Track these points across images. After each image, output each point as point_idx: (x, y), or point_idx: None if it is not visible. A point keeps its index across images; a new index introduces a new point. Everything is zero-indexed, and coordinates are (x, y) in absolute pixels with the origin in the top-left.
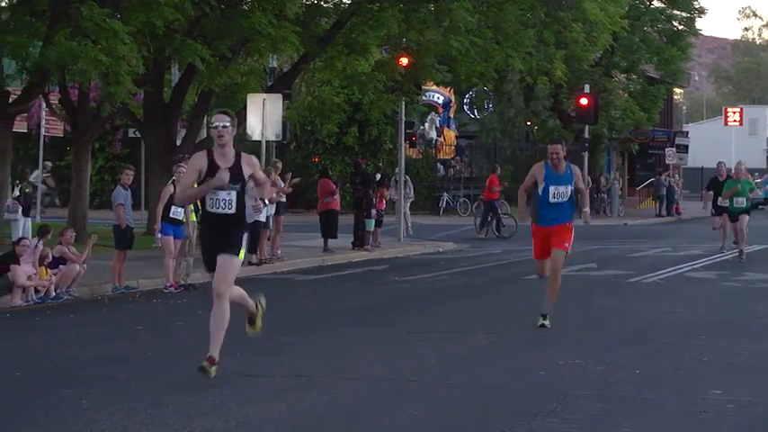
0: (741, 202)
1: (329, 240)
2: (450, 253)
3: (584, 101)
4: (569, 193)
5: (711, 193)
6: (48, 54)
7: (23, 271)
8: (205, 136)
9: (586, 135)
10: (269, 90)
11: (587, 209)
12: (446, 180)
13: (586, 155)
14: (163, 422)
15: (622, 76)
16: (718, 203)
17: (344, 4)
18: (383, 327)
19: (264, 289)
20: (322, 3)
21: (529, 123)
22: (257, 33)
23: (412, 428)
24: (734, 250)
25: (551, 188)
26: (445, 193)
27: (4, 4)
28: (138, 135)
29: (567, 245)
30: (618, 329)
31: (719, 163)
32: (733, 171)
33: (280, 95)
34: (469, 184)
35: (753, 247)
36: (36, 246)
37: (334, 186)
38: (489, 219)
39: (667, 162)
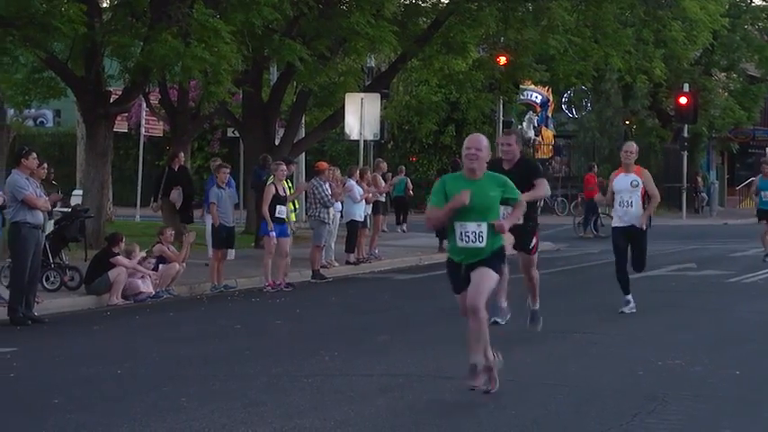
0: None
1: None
2: (548, 252)
3: (683, 100)
4: None
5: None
6: (153, 52)
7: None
8: (303, 136)
9: (685, 134)
10: (367, 89)
11: None
12: None
13: (685, 154)
14: (262, 420)
15: (722, 74)
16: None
17: (442, 3)
18: None
19: (362, 288)
20: (420, 2)
21: (627, 122)
22: (355, 33)
23: (510, 428)
24: None
25: None
26: None
27: (105, 5)
28: (237, 135)
29: None
30: (717, 330)
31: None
32: None
33: (377, 95)
34: (567, 183)
35: None
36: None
37: None
38: (590, 218)
39: None
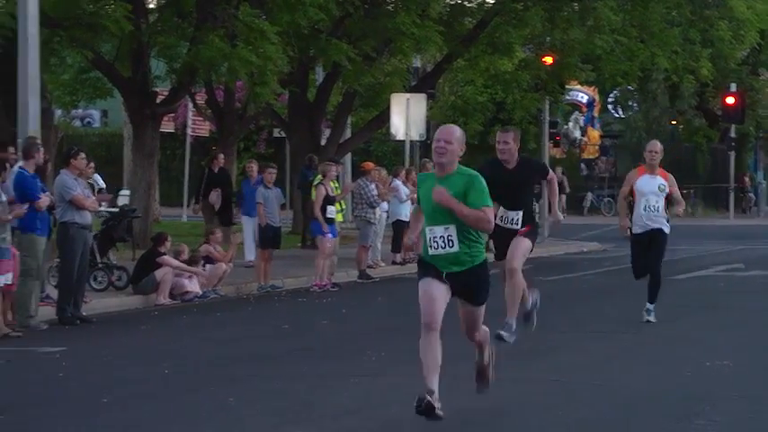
0: None
1: None
2: (595, 253)
3: (730, 99)
4: None
5: None
6: (200, 54)
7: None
8: (349, 136)
9: (732, 134)
10: (413, 90)
11: None
12: (590, 179)
13: (732, 154)
14: (309, 421)
15: None
16: None
17: (488, 3)
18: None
19: (408, 288)
20: (466, 2)
21: (674, 122)
22: (401, 33)
23: (557, 428)
24: None
25: None
26: (589, 193)
27: (152, 5)
28: (283, 135)
29: None
30: (766, 330)
31: None
32: None
33: (423, 95)
34: (614, 183)
35: None
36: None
37: None
38: None
39: None
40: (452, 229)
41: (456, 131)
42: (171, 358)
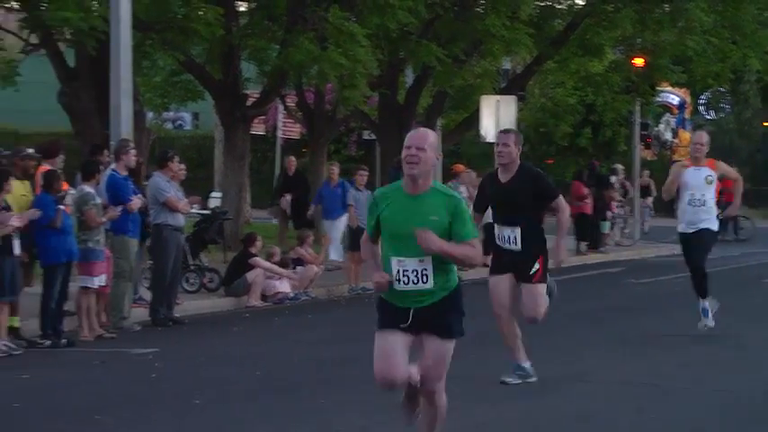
0: None
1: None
2: None
3: None
4: None
5: None
6: (291, 57)
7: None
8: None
9: None
10: (502, 92)
11: None
12: None
13: None
14: (400, 422)
15: None
16: None
17: (578, 5)
18: (619, 329)
19: None
20: (556, 4)
21: (766, 124)
22: (491, 35)
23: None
24: None
25: None
26: None
27: (242, 8)
28: (373, 137)
29: None
30: None
31: None
32: None
33: (513, 97)
34: None
35: None
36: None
37: (586, 190)
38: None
39: None
40: (428, 262)
41: (429, 136)
42: (262, 360)
